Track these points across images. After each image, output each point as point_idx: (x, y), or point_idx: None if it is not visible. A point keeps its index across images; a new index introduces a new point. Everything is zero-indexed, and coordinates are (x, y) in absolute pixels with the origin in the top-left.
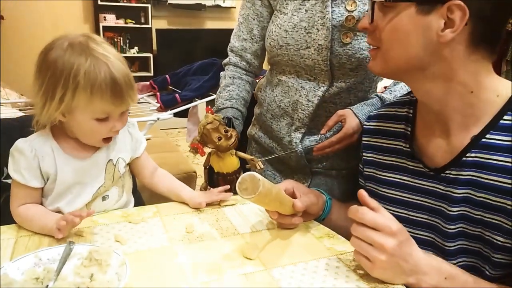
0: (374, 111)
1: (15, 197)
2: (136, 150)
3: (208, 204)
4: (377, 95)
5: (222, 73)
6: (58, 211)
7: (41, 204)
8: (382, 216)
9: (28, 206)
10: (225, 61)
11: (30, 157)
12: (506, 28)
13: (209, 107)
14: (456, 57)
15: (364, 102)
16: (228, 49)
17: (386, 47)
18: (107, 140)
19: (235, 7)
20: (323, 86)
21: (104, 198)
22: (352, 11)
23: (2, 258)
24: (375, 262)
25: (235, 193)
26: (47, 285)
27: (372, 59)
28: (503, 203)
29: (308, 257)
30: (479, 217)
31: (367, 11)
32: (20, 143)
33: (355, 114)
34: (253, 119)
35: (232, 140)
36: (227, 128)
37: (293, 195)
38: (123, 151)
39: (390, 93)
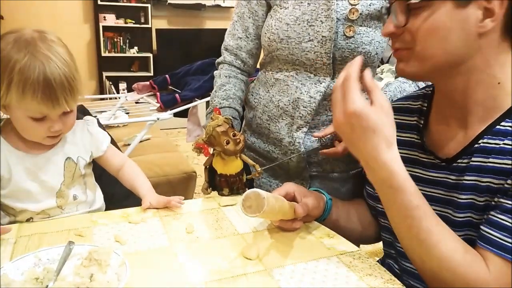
0: None
1: None
2: (97, 149)
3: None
4: None
5: (216, 72)
6: (26, 210)
7: None
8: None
9: None
10: (219, 60)
11: None
12: None
13: (217, 107)
14: (491, 46)
15: None
16: (222, 47)
17: (422, 47)
18: (52, 138)
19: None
20: (324, 82)
21: (74, 198)
22: (356, 5)
23: (2, 258)
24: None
25: (235, 194)
26: (47, 285)
27: (402, 61)
28: (502, 184)
29: (308, 257)
30: (485, 203)
31: (384, 14)
32: None
33: None
34: (243, 125)
35: (241, 145)
36: (236, 132)
37: (294, 199)
38: (82, 151)
39: (385, 94)
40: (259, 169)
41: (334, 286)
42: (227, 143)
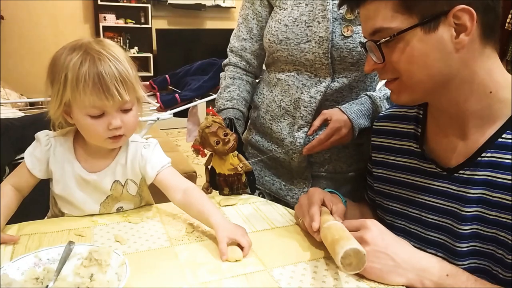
0: (382, 112)
1: (13, 174)
2: (146, 173)
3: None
4: (366, 94)
5: (222, 74)
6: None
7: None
8: (354, 220)
9: (10, 190)
10: (225, 61)
11: (43, 148)
12: (506, 28)
13: (210, 107)
14: (473, 55)
15: (353, 101)
16: (228, 49)
17: (407, 76)
18: (114, 140)
19: (235, 7)
20: (325, 82)
21: (118, 210)
22: None
23: (2, 258)
24: None
25: (236, 193)
26: (47, 285)
27: (394, 93)
28: None
29: (308, 257)
30: (495, 217)
31: (366, 52)
32: (41, 133)
33: (342, 111)
34: (248, 124)
35: (230, 145)
36: (228, 131)
37: (324, 205)
38: (130, 174)
39: (380, 91)
40: (246, 162)
41: (335, 286)
42: (217, 143)
